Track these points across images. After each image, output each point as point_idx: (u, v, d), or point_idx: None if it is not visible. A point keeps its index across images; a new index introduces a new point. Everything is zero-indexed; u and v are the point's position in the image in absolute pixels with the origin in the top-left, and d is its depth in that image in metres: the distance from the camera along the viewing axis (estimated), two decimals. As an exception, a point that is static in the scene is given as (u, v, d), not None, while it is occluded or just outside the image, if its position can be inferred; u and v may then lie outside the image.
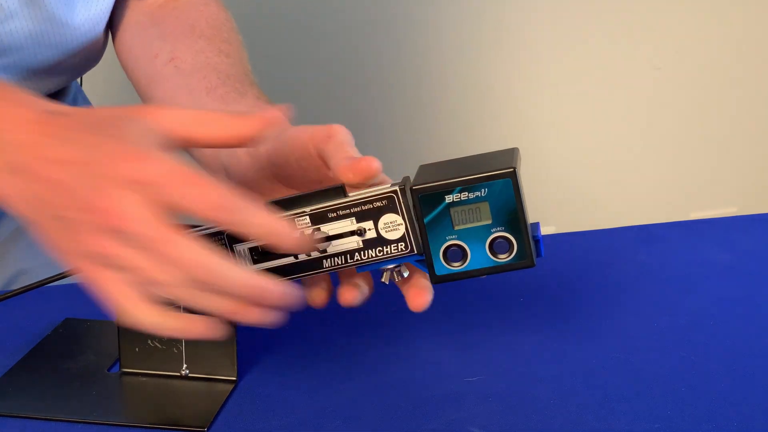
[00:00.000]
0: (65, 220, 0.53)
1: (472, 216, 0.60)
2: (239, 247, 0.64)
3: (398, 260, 0.63)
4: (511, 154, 0.62)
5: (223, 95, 0.78)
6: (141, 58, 0.88)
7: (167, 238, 0.52)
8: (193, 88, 0.80)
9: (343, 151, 0.63)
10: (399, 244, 0.62)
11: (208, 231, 0.64)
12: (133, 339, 0.72)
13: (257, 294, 0.55)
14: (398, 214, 0.61)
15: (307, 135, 0.66)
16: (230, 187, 0.54)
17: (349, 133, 0.65)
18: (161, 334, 0.60)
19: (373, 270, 0.64)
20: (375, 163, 0.60)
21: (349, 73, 2.05)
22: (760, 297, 0.79)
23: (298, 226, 0.63)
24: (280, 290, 0.55)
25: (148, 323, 0.55)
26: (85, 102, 1.08)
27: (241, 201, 0.53)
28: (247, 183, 0.70)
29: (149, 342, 0.72)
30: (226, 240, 0.64)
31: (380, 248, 0.62)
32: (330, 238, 0.62)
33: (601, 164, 2.23)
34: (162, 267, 0.53)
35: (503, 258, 0.61)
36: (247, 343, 0.75)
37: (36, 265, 0.96)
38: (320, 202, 0.62)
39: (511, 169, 0.59)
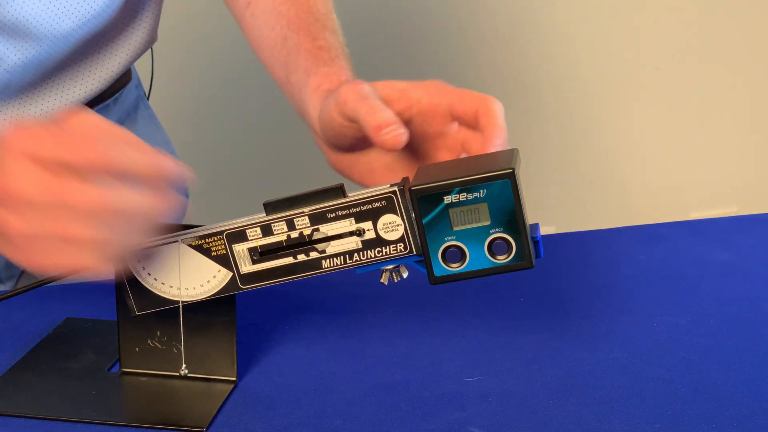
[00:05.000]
0: None
1: (471, 217, 0.60)
2: (238, 247, 0.64)
3: (397, 261, 0.63)
4: (510, 155, 0.62)
5: (286, 59, 0.80)
6: (229, 0, 0.90)
7: (61, 193, 0.55)
8: (265, 46, 0.83)
9: (365, 109, 0.65)
10: (398, 244, 0.62)
11: (208, 231, 0.64)
12: (133, 339, 0.72)
13: (157, 171, 0.58)
14: (397, 215, 0.61)
15: (331, 104, 0.69)
16: (108, 133, 0.57)
17: (362, 90, 0.67)
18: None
19: (372, 271, 0.64)
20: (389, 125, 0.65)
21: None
22: (760, 297, 0.79)
23: (298, 227, 0.63)
24: (172, 164, 0.59)
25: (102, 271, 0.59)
26: (148, 111, 1.06)
27: (114, 140, 0.57)
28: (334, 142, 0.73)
29: (149, 342, 0.72)
30: (225, 240, 0.64)
31: (379, 249, 0.62)
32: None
33: (601, 164, 2.23)
34: (76, 218, 0.56)
35: (502, 259, 0.61)
36: (247, 343, 0.75)
37: None
38: (319, 203, 0.62)
39: (510, 170, 0.59)
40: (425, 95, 0.68)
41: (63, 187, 0.56)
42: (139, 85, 1.05)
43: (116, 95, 0.98)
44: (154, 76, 1.05)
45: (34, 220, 0.56)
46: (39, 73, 0.85)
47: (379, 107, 0.65)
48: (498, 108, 0.66)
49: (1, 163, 0.57)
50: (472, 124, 0.67)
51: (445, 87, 0.68)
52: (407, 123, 0.68)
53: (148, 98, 1.07)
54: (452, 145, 0.70)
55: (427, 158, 0.71)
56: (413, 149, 0.71)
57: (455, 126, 0.69)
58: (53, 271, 0.59)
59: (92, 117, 0.59)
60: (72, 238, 0.57)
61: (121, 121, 1.00)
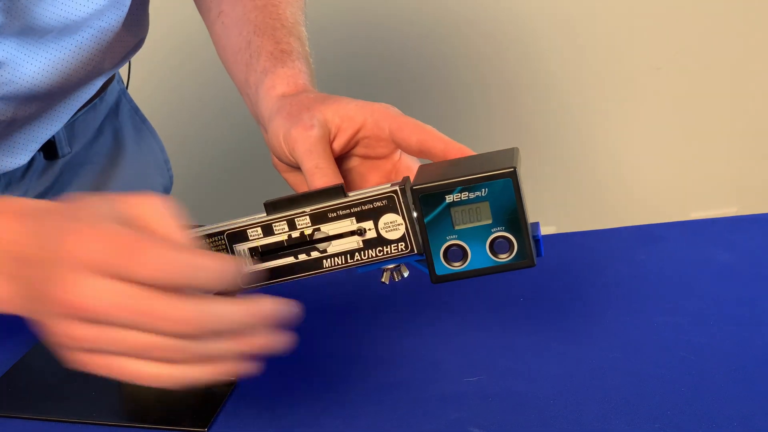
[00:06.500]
0: (41, 314, 0.52)
1: (473, 216, 0.60)
2: (239, 247, 0.64)
3: (398, 260, 0.63)
4: (512, 153, 0.62)
5: (248, 61, 0.80)
6: (202, 10, 0.90)
7: (134, 308, 0.50)
8: (230, 51, 0.83)
9: (307, 166, 0.67)
10: (399, 243, 0.62)
11: (208, 231, 0.64)
12: (133, 339, 0.72)
13: (249, 316, 0.53)
14: (398, 214, 0.61)
15: (280, 136, 0.70)
16: (176, 245, 0.52)
17: (310, 139, 0.68)
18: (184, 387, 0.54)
19: (373, 270, 0.64)
20: None
21: (349, 72, 2.05)
22: (760, 297, 0.79)
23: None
24: (271, 305, 0.54)
25: (167, 382, 0.53)
26: (131, 107, 1.06)
27: (187, 255, 0.51)
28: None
29: (149, 342, 0.72)
30: (225, 240, 0.64)
31: (380, 248, 0.62)
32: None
33: (601, 164, 2.23)
34: (146, 335, 0.51)
35: (503, 258, 0.61)
36: (247, 342, 0.75)
37: None
38: (320, 202, 0.62)
39: (512, 169, 0.59)
40: (370, 118, 0.70)
41: (151, 303, 0.50)
42: (119, 79, 1.05)
43: (102, 94, 0.99)
44: (131, 66, 1.06)
45: (110, 333, 0.51)
46: (46, 103, 0.87)
47: (319, 170, 0.67)
48: (443, 135, 0.67)
49: (58, 273, 0.50)
50: (413, 153, 0.68)
51: (389, 112, 0.69)
52: (354, 146, 0.71)
53: (126, 87, 1.08)
54: (389, 171, 0.72)
55: (363, 179, 0.73)
56: (353, 168, 0.73)
57: (398, 154, 0.71)
58: (112, 376, 0.54)
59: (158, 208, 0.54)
60: (154, 355, 0.51)
61: (106, 118, 1.01)
